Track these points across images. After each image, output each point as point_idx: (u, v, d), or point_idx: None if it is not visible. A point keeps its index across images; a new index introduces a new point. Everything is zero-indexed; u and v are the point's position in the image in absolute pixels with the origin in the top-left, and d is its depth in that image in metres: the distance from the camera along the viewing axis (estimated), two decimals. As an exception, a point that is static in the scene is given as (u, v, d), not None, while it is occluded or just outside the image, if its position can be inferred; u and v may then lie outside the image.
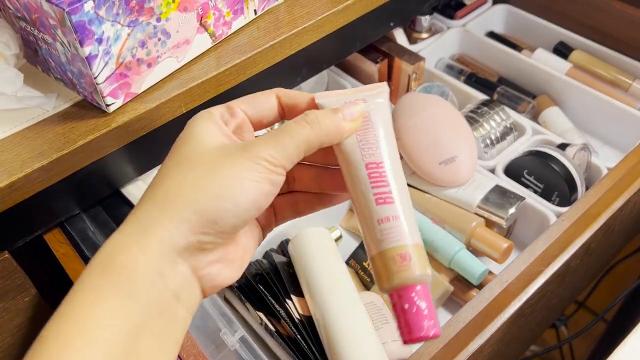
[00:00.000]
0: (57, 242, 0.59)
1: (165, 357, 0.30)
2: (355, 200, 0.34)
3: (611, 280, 1.06)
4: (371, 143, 0.34)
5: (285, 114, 0.37)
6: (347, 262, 0.71)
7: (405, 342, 0.31)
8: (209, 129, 0.33)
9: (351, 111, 0.35)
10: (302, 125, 0.33)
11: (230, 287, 0.62)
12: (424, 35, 0.96)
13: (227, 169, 0.31)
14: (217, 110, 0.35)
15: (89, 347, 0.27)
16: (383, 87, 0.37)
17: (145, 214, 0.30)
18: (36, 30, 0.51)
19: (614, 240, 0.68)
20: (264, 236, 0.39)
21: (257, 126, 0.37)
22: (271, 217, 0.39)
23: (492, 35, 0.99)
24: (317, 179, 0.38)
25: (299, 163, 0.35)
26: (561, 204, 0.71)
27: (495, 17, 1.01)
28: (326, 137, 0.33)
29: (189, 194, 0.30)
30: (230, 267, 0.33)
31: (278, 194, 0.36)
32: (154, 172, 0.65)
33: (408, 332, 0.30)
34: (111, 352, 0.27)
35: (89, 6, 0.46)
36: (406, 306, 0.31)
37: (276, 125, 0.63)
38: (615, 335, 1.13)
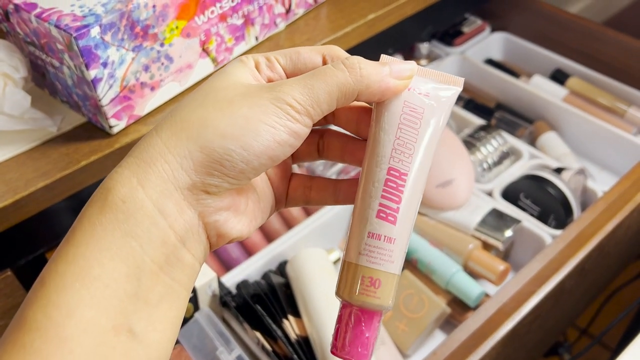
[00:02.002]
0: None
1: (174, 304, 0.27)
2: (361, 192, 0.31)
3: (616, 307, 1.06)
4: (407, 147, 0.30)
5: None
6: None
7: (333, 353, 0.30)
8: (240, 70, 0.29)
9: (400, 68, 0.30)
10: (339, 69, 0.29)
11: (228, 307, 0.62)
12: (423, 62, 0.98)
13: (243, 107, 0.27)
14: (254, 56, 0.31)
15: (87, 290, 0.25)
16: (457, 85, 0.32)
17: (149, 145, 0.27)
18: (44, 55, 0.53)
19: (610, 263, 0.68)
20: (276, 208, 0.35)
21: None
22: (283, 193, 0.35)
23: (490, 62, 1.01)
24: (343, 148, 0.34)
25: (332, 131, 0.33)
26: (558, 226, 0.71)
27: (494, 45, 1.03)
28: (366, 88, 0.29)
29: (196, 128, 0.27)
30: (238, 219, 0.30)
31: (296, 173, 0.34)
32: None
33: (340, 347, 0.30)
34: (111, 295, 0.25)
35: (95, 31, 0.48)
36: (351, 325, 0.30)
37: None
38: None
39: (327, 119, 0.33)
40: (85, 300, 0.25)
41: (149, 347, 0.26)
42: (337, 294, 0.31)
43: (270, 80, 0.31)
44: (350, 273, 0.30)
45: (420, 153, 0.30)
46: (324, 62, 0.31)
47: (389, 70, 0.30)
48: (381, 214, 0.30)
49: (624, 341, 1.09)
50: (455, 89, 0.31)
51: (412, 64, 0.31)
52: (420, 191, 0.31)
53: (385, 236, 0.30)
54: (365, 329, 0.30)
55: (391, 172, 0.30)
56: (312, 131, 0.34)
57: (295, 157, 0.35)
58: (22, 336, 0.24)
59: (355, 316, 0.30)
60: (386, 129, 0.30)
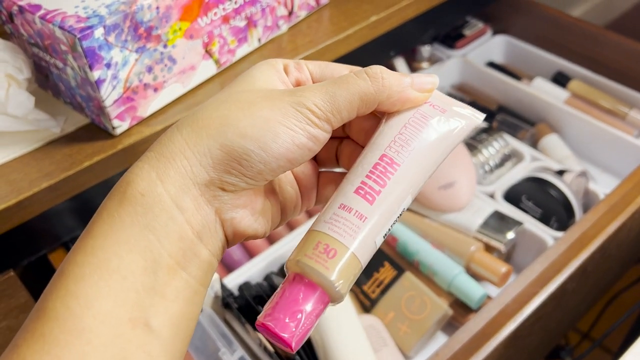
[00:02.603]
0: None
1: (191, 300, 0.27)
2: (347, 174, 0.30)
3: (617, 310, 1.06)
4: (407, 143, 0.29)
5: None
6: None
7: (256, 324, 0.27)
8: (267, 72, 0.30)
9: (422, 81, 0.30)
10: (362, 78, 0.29)
11: (230, 309, 0.62)
12: (424, 64, 0.98)
13: (263, 109, 0.28)
14: (283, 60, 0.32)
15: (105, 281, 0.25)
16: (477, 118, 0.31)
17: (169, 141, 0.28)
18: (48, 56, 0.53)
19: (612, 265, 0.68)
20: (302, 207, 0.34)
21: None
22: (312, 189, 0.34)
23: (491, 65, 1.01)
24: (350, 156, 0.34)
25: (349, 140, 0.33)
26: (559, 228, 0.71)
27: (495, 48, 1.03)
28: (387, 98, 0.29)
29: (216, 126, 0.27)
30: (255, 217, 0.30)
31: (325, 169, 0.34)
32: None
33: (266, 314, 0.27)
34: (129, 287, 0.26)
35: (99, 33, 0.48)
36: (287, 292, 0.27)
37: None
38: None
39: (343, 127, 0.34)
40: (103, 292, 0.25)
41: (166, 342, 0.26)
42: (286, 264, 0.28)
43: (298, 82, 0.32)
44: (307, 238, 0.28)
45: (420, 153, 0.29)
46: None
47: (411, 81, 0.30)
48: (360, 191, 0.28)
49: (626, 345, 1.09)
50: (474, 120, 0.31)
51: (434, 77, 0.31)
52: (407, 193, 0.29)
53: (357, 211, 0.28)
54: (302, 300, 0.26)
55: (384, 158, 0.29)
56: (333, 138, 0.34)
57: (317, 162, 0.35)
58: (41, 325, 0.25)
59: (295, 283, 0.27)
60: (391, 125, 0.30)
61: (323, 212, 0.29)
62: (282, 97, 0.28)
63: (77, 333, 0.24)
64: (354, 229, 0.27)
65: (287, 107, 0.28)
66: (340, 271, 0.27)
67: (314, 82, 0.32)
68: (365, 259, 0.28)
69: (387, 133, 0.30)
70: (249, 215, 0.29)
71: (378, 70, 0.29)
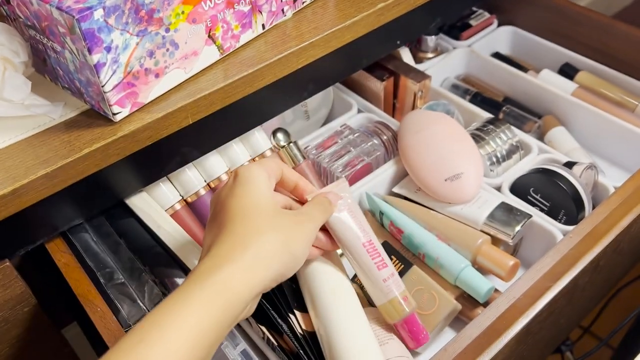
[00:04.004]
0: (58, 252, 0.58)
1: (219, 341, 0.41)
2: (360, 265, 0.53)
3: (618, 306, 1.05)
4: (362, 227, 0.53)
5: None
6: (352, 280, 0.70)
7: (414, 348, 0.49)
8: (265, 188, 0.47)
9: (334, 198, 0.52)
10: (330, 206, 0.52)
11: (233, 301, 0.61)
12: (430, 55, 0.96)
13: (295, 240, 0.45)
14: (274, 165, 0.50)
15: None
16: (343, 182, 0.55)
17: (235, 269, 0.42)
18: (45, 39, 0.51)
19: (623, 260, 0.67)
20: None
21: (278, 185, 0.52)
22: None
23: (497, 56, 1.00)
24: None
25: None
26: (568, 222, 0.70)
27: (501, 39, 1.02)
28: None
29: (269, 262, 0.43)
30: None
31: None
32: (158, 184, 0.65)
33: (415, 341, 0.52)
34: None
35: (98, 14, 0.46)
36: (410, 328, 0.52)
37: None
38: (622, 361, 1.10)
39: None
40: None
41: None
42: (392, 321, 0.55)
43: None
44: (390, 307, 0.54)
45: (368, 226, 0.55)
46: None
47: (333, 202, 0.52)
48: (379, 266, 0.53)
49: (626, 340, 1.08)
50: (344, 183, 0.56)
51: (335, 193, 0.53)
52: (377, 242, 0.54)
53: (389, 274, 0.54)
54: (419, 324, 0.54)
55: (365, 244, 0.54)
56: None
57: None
58: None
59: (410, 323, 0.53)
60: (346, 223, 0.54)
61: (377, 290, 0.56)
62: (297, 225, 0.47)
63: None
64: (397, 282, 0.55)
65: (305, 231, 0.48)
66: (412, 299, 0.55)
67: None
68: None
69: (350, 231, 0.54)
70: None
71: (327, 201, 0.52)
